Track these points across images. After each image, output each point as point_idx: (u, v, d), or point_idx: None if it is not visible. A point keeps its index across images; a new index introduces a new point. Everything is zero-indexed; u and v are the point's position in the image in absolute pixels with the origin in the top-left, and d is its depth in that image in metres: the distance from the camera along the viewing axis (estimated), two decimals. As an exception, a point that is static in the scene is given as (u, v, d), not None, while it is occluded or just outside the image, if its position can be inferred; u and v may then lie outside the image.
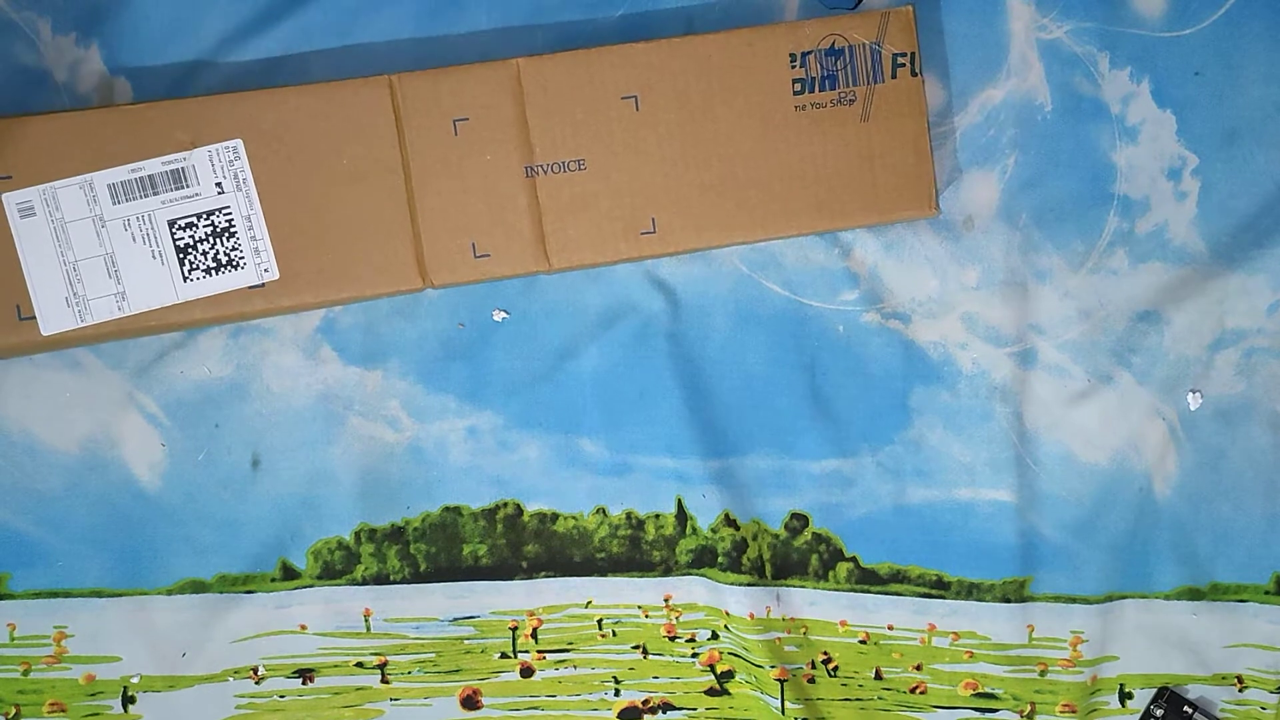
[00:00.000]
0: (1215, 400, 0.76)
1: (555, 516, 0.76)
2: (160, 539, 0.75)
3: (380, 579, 0.76)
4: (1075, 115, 0.75)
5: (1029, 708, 0.77)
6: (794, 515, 0.77)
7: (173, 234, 0.68)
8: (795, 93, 0.70)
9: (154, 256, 0.68)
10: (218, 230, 0.69)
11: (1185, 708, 0.76)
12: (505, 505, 0.76)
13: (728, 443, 0.76)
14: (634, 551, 0.77)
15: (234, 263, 0.69)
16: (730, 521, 0.76)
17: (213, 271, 0.69)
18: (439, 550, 0.76)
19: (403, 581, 0.76)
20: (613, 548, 0.77)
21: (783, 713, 0.76)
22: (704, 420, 0.76)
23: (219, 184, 0.68)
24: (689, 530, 0.76)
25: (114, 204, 0.68)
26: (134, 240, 0.68)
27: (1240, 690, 0.77)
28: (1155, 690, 0.77)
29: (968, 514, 0.76)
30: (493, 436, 0.76)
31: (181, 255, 0.68)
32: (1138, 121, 0.76)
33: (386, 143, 0.69)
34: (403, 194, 0.70)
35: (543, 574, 0.77)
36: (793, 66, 0.70)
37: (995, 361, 0.76)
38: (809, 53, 0.70)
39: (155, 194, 0.68)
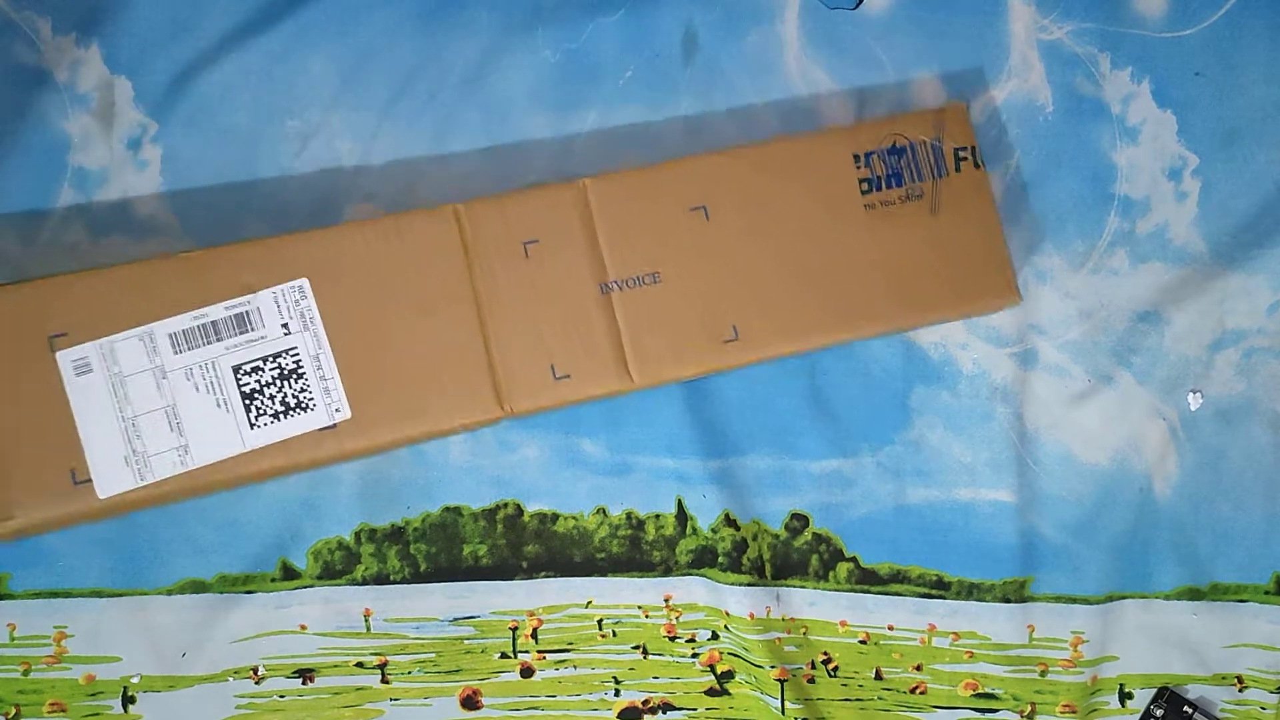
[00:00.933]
0: (1215, 400, 0.76)
1: (555, 517, 0.76)
2: (161, 539, 0.75)
3: (380, 579, 0.76)
4: (1076, 115, 0.76)
5: (1029, 708, 0.77)
6: (794, 515, 0.77)
7: (238, 380, 0.65)
8: (863, 192, 0.70)
9: (219, 405, 0.65)
10: (285, 372, 0.66)
11: (1185, 708, 0.76)
12: (505, 505, 0.76)
13: (728, 443, 0.76)
14: (634, 552, 0.77)
15: (303, 405, 0.66)
16: (730, 522, 0.76)
17: (281, 416, 0.66)
18: (439, 550, 0.76)
19: (403, 581, 0.76)
20: (613, 548, 0.77)
21: (783, 713, 0.76)
22: (704, 420, 0.76)
23: (285, 324, 0.66)
24: (689, 530, 0.76)
25: (175, 353, 0.65)
26: (197, 390, 0.65)
27: (1240, 690, 0.77)
28: (1155, 690, 0.77)
29: (968, 514, 0.76)
30: (493, 436, 0.76)
31: (248, 401, 0.65)
32: (1138, 122, 0.76)
33: (455, 272, 0.68)
34: (475, 322, 0.68)
35: (543, 574, 0.77)
36: (857, 167, 0.70)
37: (995, 362, 0.76)
38: (872, 153, 0.70)
39: (219, 340, 0.65)
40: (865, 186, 0.70)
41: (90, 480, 0.64)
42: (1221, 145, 0.75)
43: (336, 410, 0.66)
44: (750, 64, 0.76)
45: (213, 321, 0.65)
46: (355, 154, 0.75)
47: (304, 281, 0.66)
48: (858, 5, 0.75)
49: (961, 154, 0.71)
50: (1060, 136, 0.76)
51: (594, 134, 0.75)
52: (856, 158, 0.70)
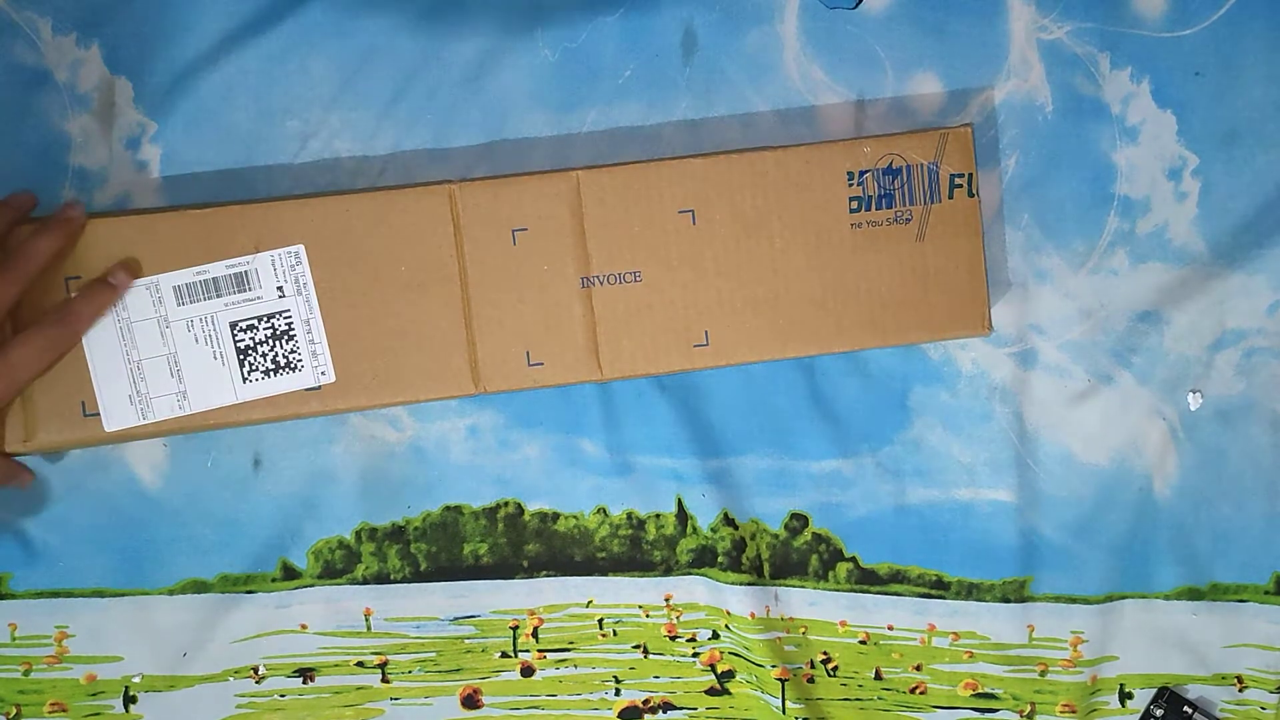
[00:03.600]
0: (1215, 400, 0.76)
1: (556, 516, 0.76)
2: (162, 539, 0.75)
3: (381, 578, 0.76)
4: (1076, 115, 0.75)
5: (1029, 708, 0.77)
6: (794, 515, 0.77)
7: (234, 335, 0.69)
8: (851, 210, 0.71)
9: (215, 357, 0.69)
10: (277, 333, 0.69)
11: (1185, 708, 0.76)
12: (506, 504, 0.76)
13: (727, 443, 0.76)
14: (635, 551, 0.77)
15: (292, 365, 0.70)
16: (729, 521, 0.76)
17: (271, 374, 0.69)
18: (440, 549, 0.76)
19: (403, 581, 0.76)
20: (613, 547, 0.77)
21: (783, 712, 0.76)
22: (704, 420, 0.76)
23: (280, 287, 0.69)
24: (690, 530, 0.76)
25: (178, 305, 0.69)
26: (196, 341, 0.69)
27: (1240, 690, 0.77)
28: (1155, 690, 0.77)
29: (968, 514, 0.76)
30: (493, 436, 0.76)
31: (242, 356, 0.69)
32: (1138, 121, 0.76)
33: (445, 251, 0.70)
34: (459, 302, 0.70)
35: (543, 573, 0.77)
36: (850, 184, 0.71)
37: (995, 361, 0.76)
38: (866, 171, 0.71)
39: (219, 296, 0.69)
40: (855, 204, 0.71)
41: (98, 414, 0.69)
42: (1221, 145, 0.75)
43: (322, 374, 0.70)
44: (749, 63, 0.76)
45: (214, 278, 0.69)
46: (355, 153, 0.75)
47: (300, 248, 0.70)
48: (857, 5, 0.75)
49: (958, 180, 0.71)
50: (1060, 136, 0.75)
51: (593, 133, 0.75)
52: (850, 175, 0.71)
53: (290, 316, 0.70)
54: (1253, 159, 0.75)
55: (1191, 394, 0.76)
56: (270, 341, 0.69)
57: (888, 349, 0.76)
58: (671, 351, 0.71)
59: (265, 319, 0.69)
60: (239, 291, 0.69)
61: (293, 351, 0.70)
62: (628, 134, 0.75)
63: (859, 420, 0.76)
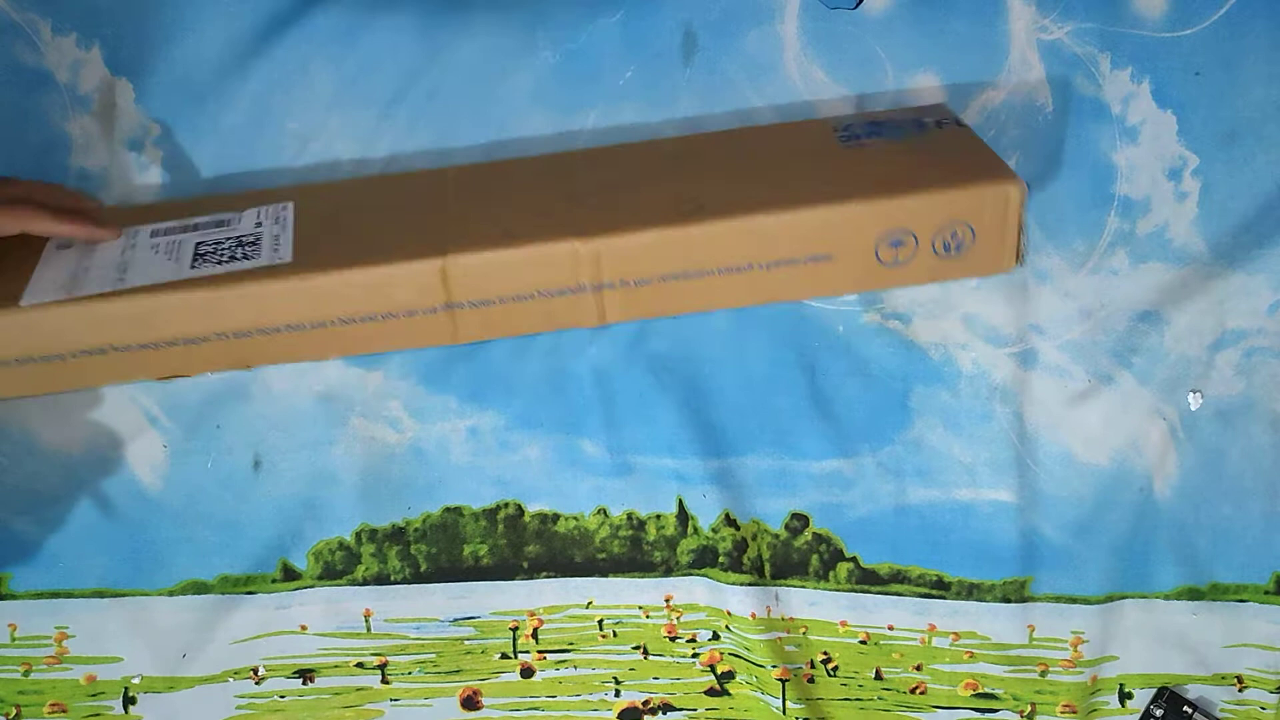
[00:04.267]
0: (1215, 400, 0.76)
1: (556, 517, 0.76)
2: (162, 540, 0.75)
3: (381, 579, 0.76)
4: (1076, 115, 0.75)
5: (1029, 708, 0.77)
6: (794, 515, 0.77)
7: (196, 248, 0.66)
8: (841, 140, 0.69)
9: (169, 259, 0.66)
10: (243, 243, 0.66)
11: (1185, 708, 0.76)
12: (506, 505, 0.76)
13: (728, 443, 0.76)
14: (635, 552, 0.77)
15: (248, 258, 0.65)
16: (730, 521, 0.76)
17: (222, 263, 0.65)
18: (440, 550, 0.76)
19: (403, 582, 0.76)
20: (614, 548, 0.77)
21: (784, 713, 0.76)
22: (704, 420, 0.76)
23: (259, 223, 0.68)
24: (690, 530, 0.76)
25: (151, 239, 0.67)
26: (155, 252, 0.66)
27: (1240, 690, 0.77)
28: (1155, 690, 0.77)
29: (968, 514, 0.76)
30: (494, 437, 0.76)
31: (197, 258, 0.65)
32: (1138, 122, 0.76)
33: (434, 190, 0.70)
34: (441, 204, 0.68)
35: (543, 574, 0.77)
36: (835, 131, 0.70)
37: (995, 362, 0.76)
38: (850, 123, 0.70)
39: (195, 231, 0.67)
40: (844, 136, 0.69)
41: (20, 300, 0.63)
42: (1221, 145, 0.75)
43: (279, 257, 0.65)
44: (750, 64, 0.76)
45: (195, 223, 0.68)
46: (355, 155, 0.75)
47: (290, 204, 0.68)
48: (857, 5, 0.75)
49: (945, 122, 0.70)
50: (1060, 136, 0.75)
51: (594, 134, 0.75)
52: (835, 127, 0.70)
53: (260, 234, 0.67)
54: (1253, 159, 0.75)
55: (1191, 394, 0.76)
56: (232, 249, 0.66)
57: (887, 348, 0.76)
58: (660, 213, 0.65)
59: (235, 239, 0.67)
60: (216, 228, 0.67)
61: (253, 250, 0.66)
62: (628, 134, 0.75)
63: (859, 420, 0.76)
